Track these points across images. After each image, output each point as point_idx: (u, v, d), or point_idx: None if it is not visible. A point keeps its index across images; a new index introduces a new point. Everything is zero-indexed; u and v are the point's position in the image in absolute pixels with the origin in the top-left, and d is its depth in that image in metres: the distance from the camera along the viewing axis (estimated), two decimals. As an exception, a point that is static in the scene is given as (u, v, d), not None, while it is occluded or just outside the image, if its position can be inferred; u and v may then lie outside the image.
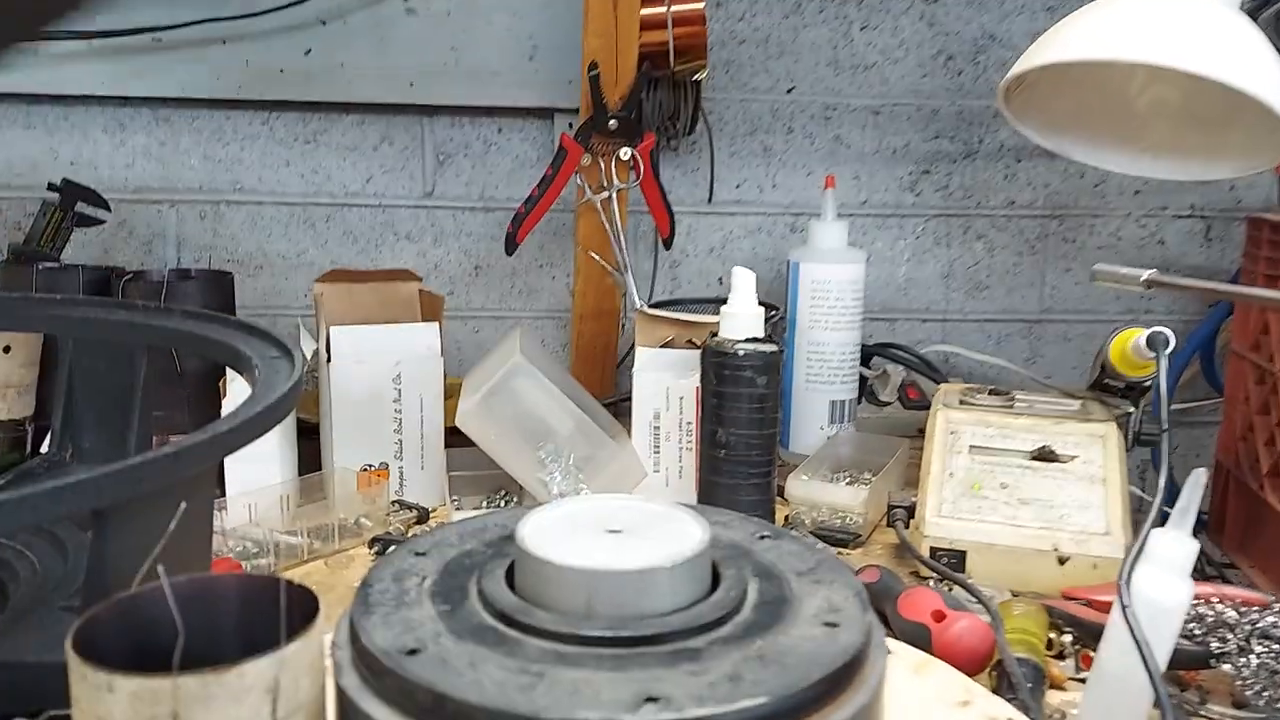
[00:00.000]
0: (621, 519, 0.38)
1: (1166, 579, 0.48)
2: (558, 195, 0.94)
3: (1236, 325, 0.94)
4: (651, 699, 0.29)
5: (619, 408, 0.95)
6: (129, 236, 1.09)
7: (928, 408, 1.07)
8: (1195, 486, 0.47)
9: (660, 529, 0.37)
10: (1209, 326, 1.10)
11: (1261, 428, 0.87)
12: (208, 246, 1.10)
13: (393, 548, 0.62)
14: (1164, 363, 0.59)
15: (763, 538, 0.41)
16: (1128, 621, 0.47)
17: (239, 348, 0.55)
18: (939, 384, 1.04)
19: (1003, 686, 0.51)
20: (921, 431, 1.02)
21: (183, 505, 0.34)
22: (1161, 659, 0.47)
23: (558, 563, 0.34)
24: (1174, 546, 0.48)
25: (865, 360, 1.07)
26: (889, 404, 1.08)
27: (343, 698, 0.32)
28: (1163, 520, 0.50)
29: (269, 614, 0.32)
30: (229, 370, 0.77)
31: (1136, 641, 0.46)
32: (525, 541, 0.35)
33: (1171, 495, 0.50)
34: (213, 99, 1.06)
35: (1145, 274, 0.55)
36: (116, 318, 0.62)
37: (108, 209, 1.06)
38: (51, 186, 1.02)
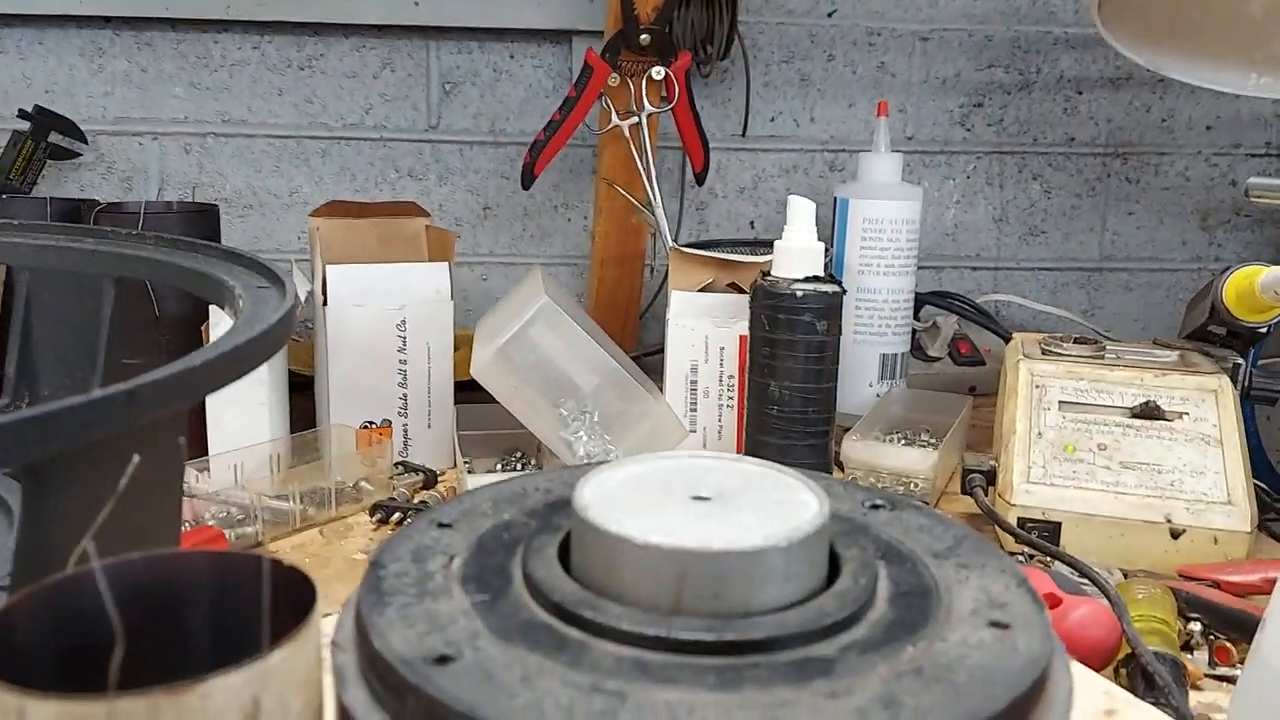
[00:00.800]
0: (709, 483, 0.29)
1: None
2: (581, 120, 0.84)
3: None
4: (785, 734, 0.21)
5: (643, 364, 0.86)
6: (107, 172, 0.99)
7: (981, 363, 0.98)
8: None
9: (761, 496, 0.28)
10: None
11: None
12: (193, 183, 1.00)
13: (409, 519, 0.54)
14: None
15: (876, 507, 0.32)
16: (1305, 608, 0.38)
17: (220, 277, 0.46)
18: (1004, 338, 0.95)
19: (1139, 687, 0.43)
20: (973, 390, 0.94)
21: (135, 459, 0.25)
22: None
23: (636, 539, 0.25)
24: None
25: (915, 311, 0.98)
26: (938, 359, 0.99)
27: (347, 719, 0.24)
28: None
29: (250, 603, 0.24)
30: (212, 314, 0.68)
31: (1320, 633, 0.38)
32: (588, 511, 0.26)
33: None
34: (199, 19, 0.96)
35: (1318, 188, 0.46)
36: (81, 245, 0.53)
37: (84, 141, 0.97)
38: (23, 114, 0.93)
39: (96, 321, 0.54)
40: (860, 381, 0.87)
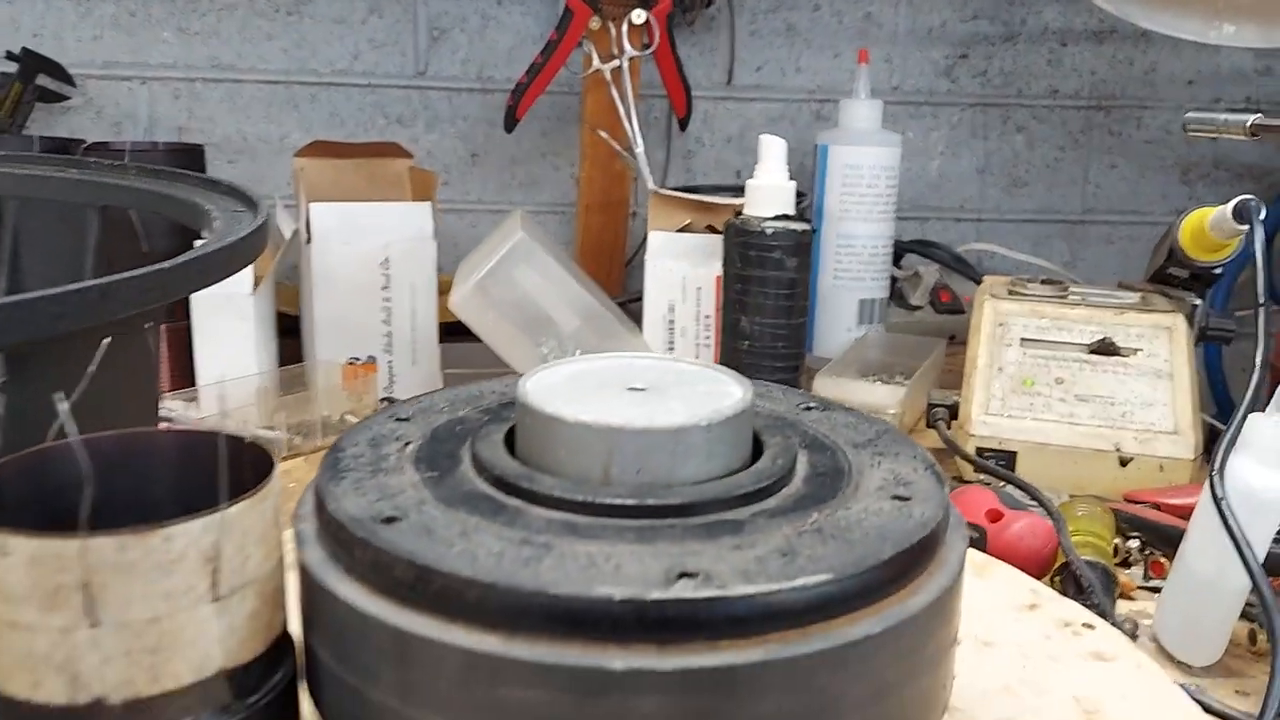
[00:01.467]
0: (645, 377, 0.31)
1: (1266, 469, 0.42)
2: (563, 63, 0.85)
3: (1304, 219, 0.86)
4: (687, 574, 0.23)
5: (629, 309, 0.88)
6: (96, 116, 1.01)
7: (961, 312, 1.00)
8: (1311, 362, 0.40)
9: (691, 388, 0.30)
10: (1267, 226, 1.02)
11: (1328, 329, 0.80)
12: (182, 128, 1.01)
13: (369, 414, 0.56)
14: (1259, 230, 0.52)
15: (809, 408, 0.35)
16: (1221, 514, 0.41)
17: (198, 202, 0.48)
18: (977, 284, 0.97)
19: (1070, 591, 0.45)
20: (954, 338, 0.96)
21: (104, 341, 0.27)
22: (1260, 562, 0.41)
23: (569, 419, 0.27)
24: (1275, 431, 0.42)
25: (896, 259, 1.00)
26: (919, 308, 1.01)
27: (306, 575, 0.26)
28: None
29: (215, 476, 0.26)
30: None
31: (1231, 534, 0.40)
32: (529, 397, 0.29)
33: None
34: (186, -37, 0.97)
35: (1251, 118, 0.47)
36: (65, 175, 0.55)
37: (72, 84, 0.98)
38: (10, 56, 0.94)
39: (82, 250, 0.56)
40: (838, 325, 0.89)
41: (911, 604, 0.24)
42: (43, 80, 0.95)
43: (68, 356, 0.31)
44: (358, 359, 0.76)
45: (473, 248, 0.91)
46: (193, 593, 0.23)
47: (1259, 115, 0.48)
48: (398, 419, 0.32)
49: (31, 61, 0.94)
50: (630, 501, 0.26)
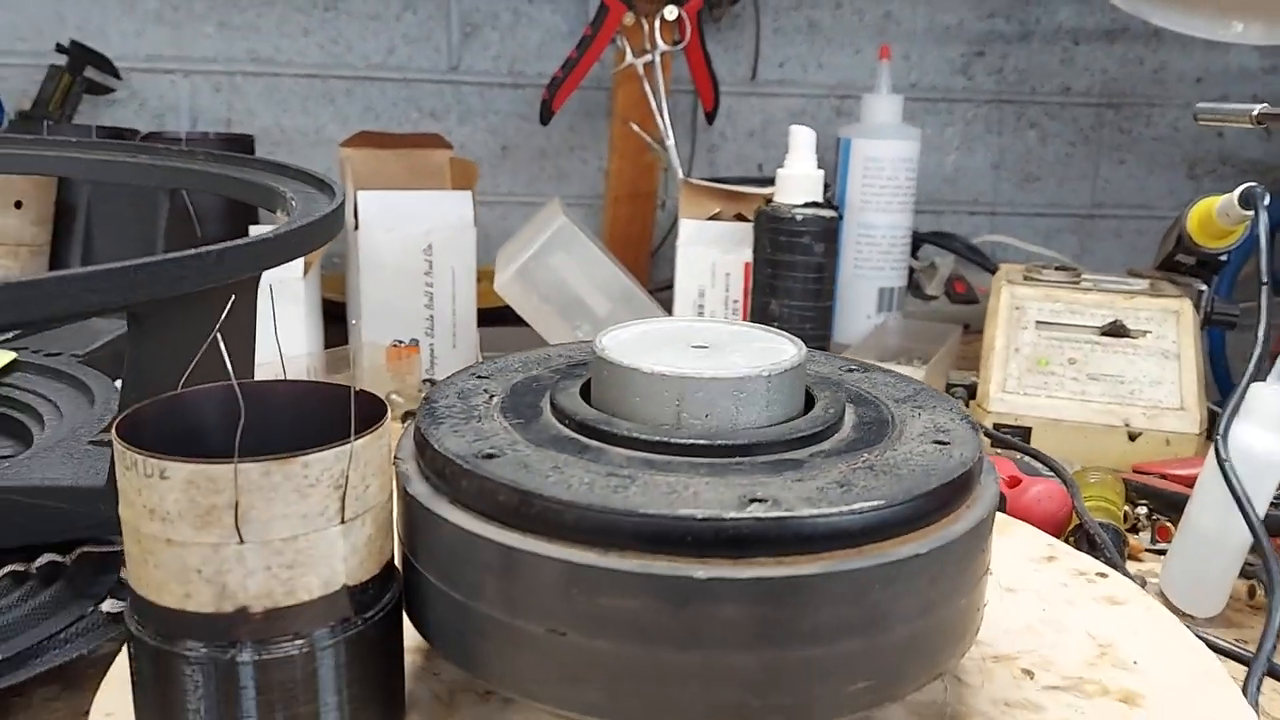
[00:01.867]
0: (706, 336, 0.34)
1: (1266, 434, 0.45)
2: (597, 58, 0.88)
3: (1309, 211, 0.89)
4: (757, 500, 0.26)
5: (657, 298, 0.91)
6: (140, 108, 1.04)
7: (975, 302, 1.03)
8: (1311, 335, 0.43)
9: (749, 345, 0.34)
10: (1272, 220, 1.05)
11: (1332, 317, 0.83)
12: (223, 120, 1.05)
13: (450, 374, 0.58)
14: (1263, 217, 0.55)
15: (851, 370, 0.38)
16: (1225, 475, 0.44)
17: (271, 184, 0.51)
18: (992, 274, 1.00)
19: (1084, 549, 0.48)
20: (968, 327, 0.99)
21: (232, 298, 0.31)
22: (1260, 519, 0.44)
23: (645, 370, 0.30)
24: (1275, 399, 0.45)
25: (913, 251, 1.03)
26: (935, 298, 1.04)
27: (412, 507, 0.29)
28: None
29: (329, 425, 0.29)
30: (251, 234, 0.73)
31: (1235, 493, 0.43)
32: (605, 351, 0.32)
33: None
34: (227, -40, 1.00)
35: (1257, 108, 0.50)
36: (137, 160, 0.58)
37: (118, 76, 1.01)
38: (60, 48, 0.97)
39: (153, 233, 0.60)
40: (858, 313, 0.92)
41: (953, 530, 0.28)
42: (90, 73, 0.99)
43: (182, 317, 0.34)
44: (401, 341, 0.79)
45: (504, 239, 0.94)
46: (324, 515, 0.27)
47: (1264, 105, 0.51)
48: (479, 376, 0.36)
49: (79, 54, 0.97)
50: (702, 441, 0.29)
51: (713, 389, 0.30)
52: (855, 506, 0.26)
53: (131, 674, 0.28)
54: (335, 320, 0.86)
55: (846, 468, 0.29)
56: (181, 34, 1.03)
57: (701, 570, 0.25)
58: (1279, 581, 0.41)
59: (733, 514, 0.26)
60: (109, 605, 0.39)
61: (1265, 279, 0.52)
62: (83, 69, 0.98)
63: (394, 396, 0.76)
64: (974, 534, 0.28)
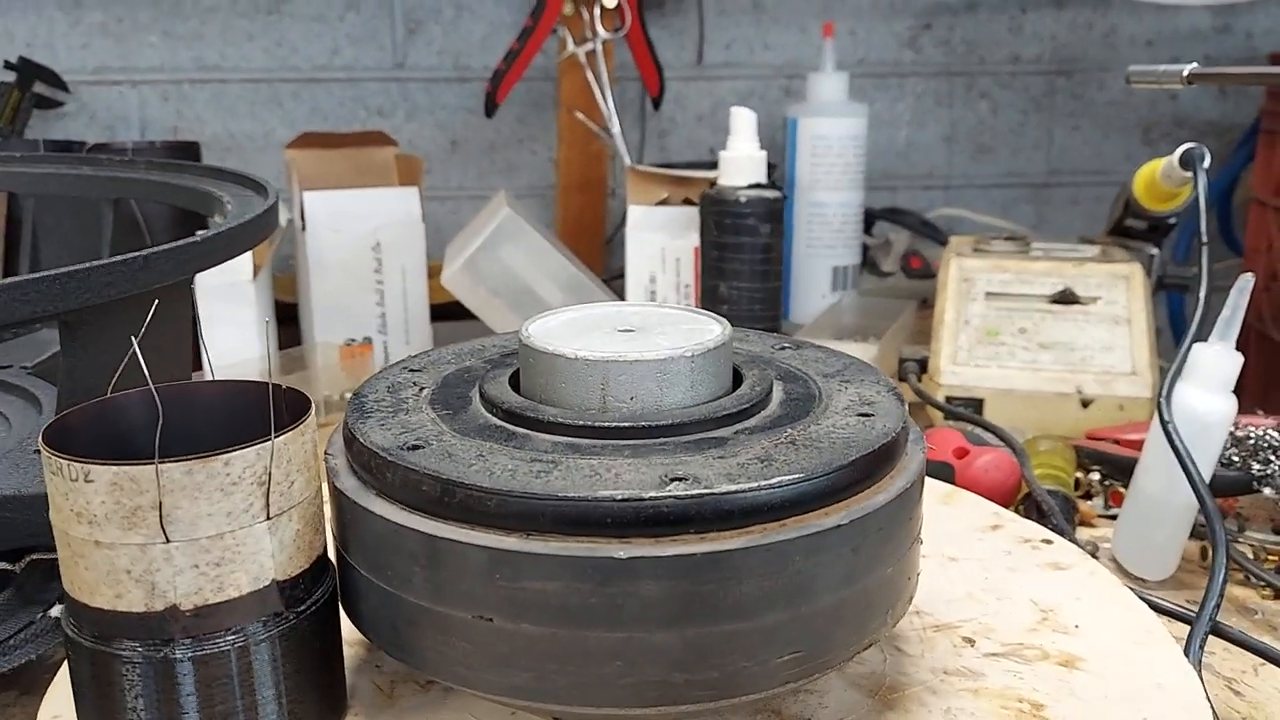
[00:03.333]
0: (633, 320, 0.35)
1: (1209, 394, 0.45)
2: (539, 48, 0.88)
3: (1258, 171, 0.90)
4: (678, 478, 0.26)
5: (612, 286, 0.91)
6: (90, 120, 1.03)
7: (932, 277, 1.04)
8: (1241, 292, 0.44)
9: (675, 327, 0.34)
10: (1224, 179, 1.07)
11: (1281, 274, 0.84)
12: (171, 129, 1.03)
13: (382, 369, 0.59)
14: (1202, 178, 0.55)
15: (783, 348, 0.38)
16: (1170, 438, 0.45)
17: (209, 189, 0.51)
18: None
19: (1033, 518, 0.49)
20: (925, 302, 1.00)
21: (155, 302, 0.31)
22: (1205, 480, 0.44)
23: (569, 355, 0.31)
24: (1217, 360, 0.45)
25: (867, 227, 1.03)
26: (891, 274, 1.04)
27: (340, 501, 0.29)
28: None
29: (256, 422, 0.29)
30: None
31: (1178, 454, 0.44)
32: (531, 339, 0.32)
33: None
34: (167, -33, 0.99)
35: (1187, 68, 0.51)
36: (79, 172, 0.58)
37: (66, 90, 1.00)
38: (8, 65, 0.96)
39: (98, 244, 0.59)
40: (813, 292, 0.93)
41: (875, 501, 0.28)
42: (39, 87, 0.97)
43: (113, 323, 0.34)
44: (354, 340, 0.79)
45: (455, 233, 0.94)
46: (249, 512, 0.27)
47: (1194, 65, 0.51)
48: (410, 370, 0.36)
49: (28, 69, 0.96)
50: (625, 424, 0.29)
51: (636, 371, 0.30)
52: (774, 481, 0.26)
53: (71, 676, 0.28)
54: (289, 322, 0.86)
55: (769, 443, 0.29)
56: (127, 45, 1.02)
57: (622, 550, 0.25)
58: (1221, 540, 0.42)
59: (652, 493, 0.26)
60: (58, 611, 0.38)
61: (1205, 239, 0.52)
62: (31, 84, 0.97)
63: (348, 394, 0.75)
64: (898, 503, 0.29)
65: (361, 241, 0.77)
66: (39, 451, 0.43)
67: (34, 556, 0.41)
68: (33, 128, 0.99)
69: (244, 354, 0.73)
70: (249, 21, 1.03)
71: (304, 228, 0.76)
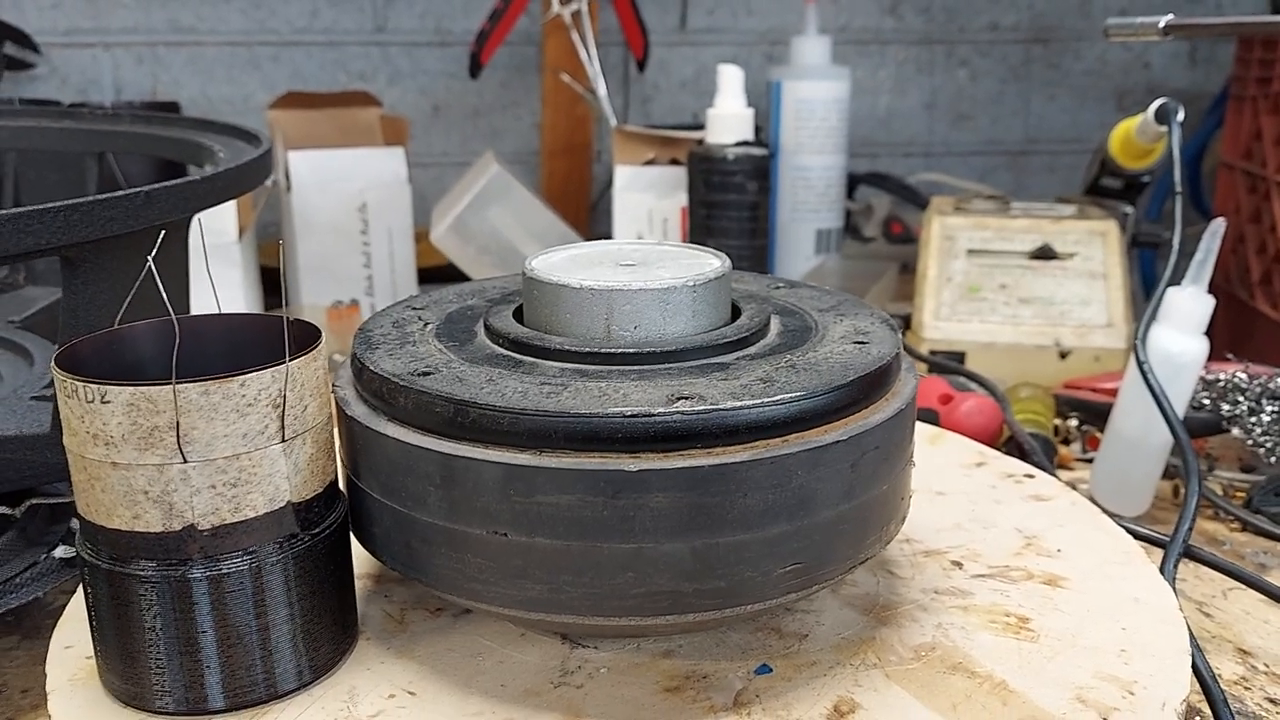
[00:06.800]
0: (634, 256, 0.35)
1: (1182, 335, 0.47)
2: (524, 8, 0.88)
3: (1228, 135, 0.92)
4: (684, 397, 0.27)
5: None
6: (62, 83, 1.01)
7: (913, 242, 1.05)
8: (1214, 236, 0.46)
9: (675, 261, 0.35)
10: (1194, 145, 1.09)
11: (1253, 236, 0.87)
12: (148, 92, 1.02)
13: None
14: (1176, 130, 0.57)
15: (778, 287, 0.39)
16: (1145, 377, 0.46)
17: (198, 140, 0.51)
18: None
19: (1014, 458, 0.50)
20: (906, 267, 1.01)
21: (161, 234, 0.31)
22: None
23: (573, 285, 0.31)
24: (1190, 302, 0.47)
25: (850, 192, 1.04)
26: (873, 239, 1.05)
27: (352, 429, 0.30)
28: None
29: (264, 355, 0.30)
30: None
31: (1153, 393, 0.45)
32: (535, 271, 0.33)
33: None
34: (140, -75, 0.97)
35: (1164, 20, 0.52)
36: (62, 125, 0.57)
37: (37, 51, 0.98)
38: (-28, 24, 0.94)
39: (83, 195, 0.59)
40: (797, 255, 0.94)
41: (872, 420, 0.29)
42: (9, 49, 0.95)
43: (114, 260, 0.34)
44: (341, 302, 0.79)
45: (438, 201, 0.94)
46: (265, 434, 0.27)
47: (1170, 16, 0.52)
48: (413, 308, 0.36)
49: (-5, 29, 0.94)
50: (630, 350, 0.30)
51: (639, 300, 0.31)
52: (777, 398, 0.27)
53: (87, 600, 0.28)
54: (274, 288, 0.85)
55: (770, 367, 0.30)
56: (99, 6, 1.00)
57: (633, 464, 0.26)
58: (1194, 470, 0.43)
59: (661, 409, 0.27)
60: (61, 551, 0.39)
61: (1179, 189, 0.54)
62: (1, 45, 0.95)
63: (336, 357, 0.76)
64: (893, 423, 0.30)
65: (347, 202, 0.76)
66: (35, 399, 0.43)
67: (34, 500, 0.41)
68: (2, 90, 0.97)
69: (231, 314, 0.73)
70: (226, -17, 1.01)
71: (289, 188, 0.75)
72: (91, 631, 0.29)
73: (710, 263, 0.34)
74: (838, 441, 0.28)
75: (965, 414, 0.52)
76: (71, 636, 0.32)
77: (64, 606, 0.34)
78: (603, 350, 0.30)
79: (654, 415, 0.26)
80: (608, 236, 0.82)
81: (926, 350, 0.67)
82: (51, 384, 0.35)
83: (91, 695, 0.29)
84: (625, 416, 0.26)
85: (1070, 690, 0.29)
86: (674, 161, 0.79)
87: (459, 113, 1.08)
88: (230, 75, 1.04)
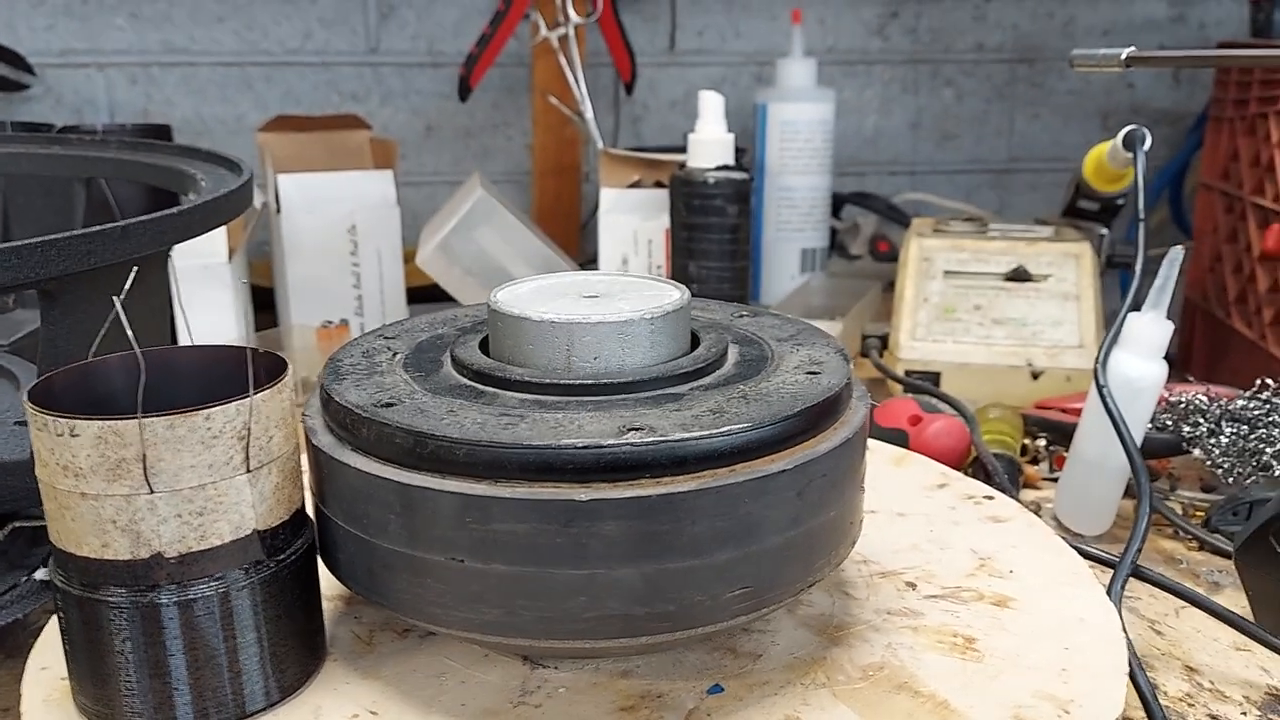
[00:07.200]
0: (598, 287, 0.36)
1: (1141, 360, 0.48)
2: (511, 32, 0.89)
3: (1206, 155, 0.93)
4: (635, 428, 0.28)
5: (585, 270, 0.93)
6: (56, 104, 1.03)
7: (898, 260, 1.07)
8: (1173, 263, 0.47)
9: (638, 293, 0.36)
10: (1176, 164, 1.10)
11: (1229, 256, 0.88)
12: (141, 113, 1.03)
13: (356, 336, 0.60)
14: (1142, 159, 0.58)
15: (741, 316, 0.40)
16: (1104, 400, 0.47)
17: (182, 168, 0.52)
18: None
19: (979, 479, 0.51)
20: (892, 284, 1.03)
21: (134, 269, 0.32)
22: (1135, 440, 0.47)
23: (535, 317, 0.32)
24: (1149, 327, 0.48)
25: (836, 211, 1.06)
26: (859, 257, 1.07)
27: (319, 457, 0.31)
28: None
29: (234, 386, 0.31)
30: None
31: (1112, 417, 0.46)
32: (500, 305, 0.34)
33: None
34: (135, -51, 0.99)
35: (1125, 51, 0.53)
36: (50, 151, 0.59)
37: (31, 72, 1.00)
38: (-32, 46, 0.95)
39: (70, 225, 0.60)
40: (783, 274, 0.95)
41: (819, 449, 0.30)
42: (3, 70, 0.97)
43: (93, 293, 0.35)
44: (331, 322, 0.80)
45: (430, 219, 0.95)
46: (230, 464, 0.28)
47: (1132, 48, 0.54)
48: (385, 337, 0.37)
49: (-11, 51, 0.95)
50: (588, 381, 0.31)
51: (599, 332, 0.32)
52: (725, 429, 0.28)
53: (60, 624, 0.30)
54: (266, 307, 0.87)
55: (722, 398, 0.31)
56: (93, 26, 1.02)
57: (584, 493, 0.27)
58: (1146, 492, 0.44)
59: (611, 441, 0.28)
60: (41, 573, 0.40)
61: (1142, 216, 0.55)
62: (-7, 66, 0.96)
63: (328, 377, 0.77)
64: (841, 451, 0.31)
65: (337, 224, 0.78)
66: (19, 424, 0.44)
67: (16, 524, 0.42)
68: (-6, 109, 0.99)
69: (221, 335, 0.74)
70: (218, 4, 1.03)
71: (279, 210, 0.77)
72: (65, 654, 0.30)
73: (670, 294, 0.35)
74: (783, 470, 0.29)
75: (933, 435, 0.54)
76: (47, 658, 0.33)
77: (44, 627, 0.35)
78: (561, 381, 0.31)
79: (604, 446, 0.28)
80: (597, 256, 0.83)
81: (902, 370, 0.68)
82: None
83: (65, 716, 0.30)
84: (577, 448, 0.27)
85: (1009, 709, 0.30)
86: (659, 184, 0.80)
87: (451, 133, 1.09)
88: (223, 95, 1.05)
